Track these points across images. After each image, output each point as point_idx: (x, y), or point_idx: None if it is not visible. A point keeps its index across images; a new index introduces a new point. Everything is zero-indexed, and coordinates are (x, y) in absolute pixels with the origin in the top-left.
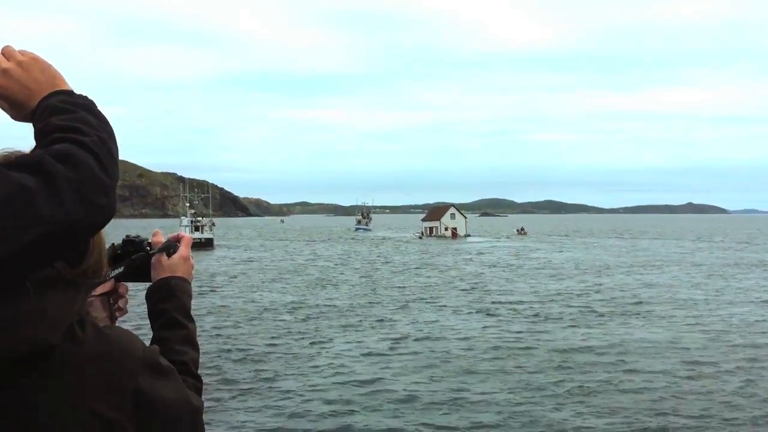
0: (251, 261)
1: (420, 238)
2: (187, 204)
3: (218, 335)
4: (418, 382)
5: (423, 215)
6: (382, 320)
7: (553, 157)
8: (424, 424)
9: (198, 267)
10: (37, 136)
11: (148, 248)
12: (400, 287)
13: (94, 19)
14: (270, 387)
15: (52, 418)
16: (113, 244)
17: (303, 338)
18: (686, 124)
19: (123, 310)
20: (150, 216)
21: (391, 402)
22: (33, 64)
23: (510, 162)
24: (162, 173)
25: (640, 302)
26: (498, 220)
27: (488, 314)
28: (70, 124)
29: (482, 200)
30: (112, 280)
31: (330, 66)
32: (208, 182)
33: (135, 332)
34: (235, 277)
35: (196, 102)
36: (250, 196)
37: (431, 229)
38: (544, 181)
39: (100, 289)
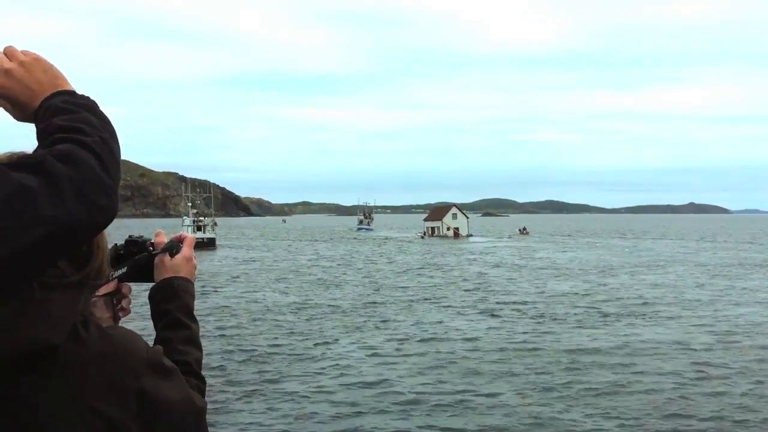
0: (254, 261)
1: (422, 237)
2: (189, 204)
3: (222, 335)
4: (424, 384)
5: (425, 215)
6: (386, 321)
7: (554, 157)
8: (431, 426)
9: (200, 267)
10: (40, 136)
11: (151, 248)
12: (403, 287)
13: (94, 18)
14: (275, 388)
15: (55, 418)
16: (116, 244)
17: (307, 339)
18: (688, 124)
19: (126, 311)
20: (151, 216)
21: (397, 404)
22: (35, 64)
23: (511, 162)
24: (163, 173)
25: (646, 303)
26: (500, 220)
27: (493, 315)
28: (72, 124)
29: (484, 200)
30: (116, 280)
31: (331, 65)
32: (209, 182)
33: (138, 333)
34: (238, 277)
35: (197, 101)
36: (251, 196)
37: (433, 229)
38: (546, 181)
39: (104, 290)
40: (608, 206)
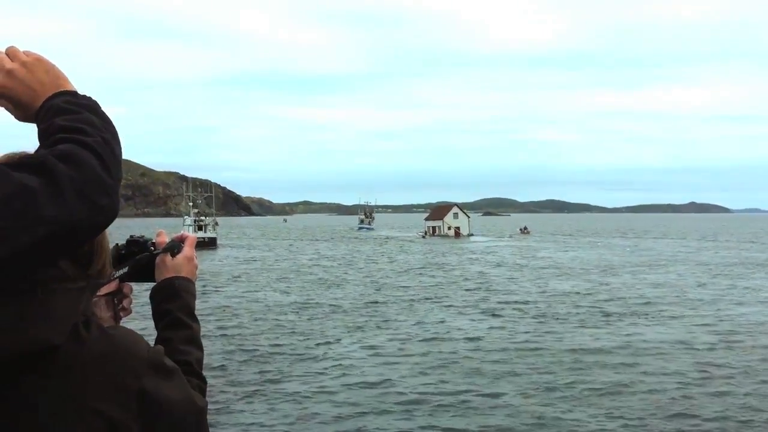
0: (255, 260)
1: (423, 237)
2: (190, 203)
3: (223, 335)
4: (426, 384)
5: (425, 214)
6: (388, 320)
7: (555, 156)
8: (433, 426)
9: (201, 266)
10: (41, 136)
11: (153, 248)
12: (405, 287)
13: (94, 18)
14: (276, 389)
15: (56, 417)
16: (117, 244)
17: (308, 339)
18: (688, 123)
19: (127, 311)
20: (152, 215)
21: (399, 404)
22: (37, 64)
23: (512, 161)
24: (164, 172)
25: (648, 302)
26: (500, 220)
27: (495, 314)
28: (74, 124)
29: (484, 199)
30: (117, 280)
31: (331, 65)
32: (210, 181)
33: (139, 332)
34: (239, 276)
35: (197, 101)
36: (252, 196)
37: (434, 228)
38: (547, 180)
39: (105, 290)
40: (609, 205)
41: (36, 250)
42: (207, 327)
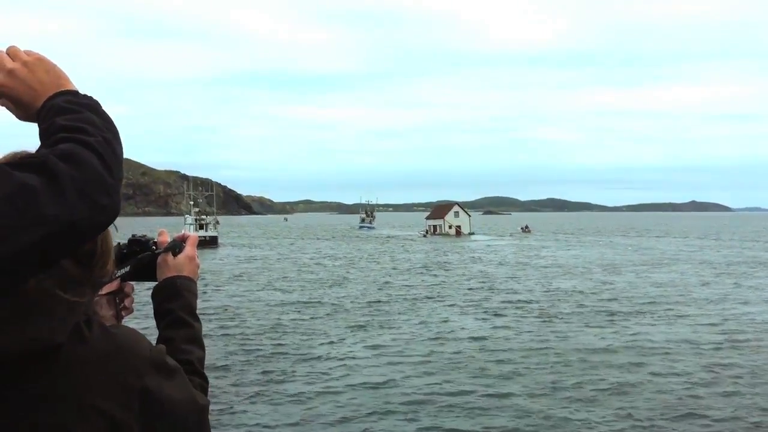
0: (256, 259)
1: (424, 236)
2: (191, 202)
3: (225, 335)
4: (431, 384)
5: (426, 213)
6: (391, 320)
7: (555, 155)
8: (439, 427)
9: (203, 265)
10: (42, 136)
11: (154, 248)
12: (407, 286)
13: (95, 17)
14: (280, 389)
15: (58, 417)
16: (119, 243)
17: (311, 338)
18: (689, 122)
19: (129, 310)
20: (153, 214)
21: (404, 404)
22: (38, 64)
23: (513, 160)
24: (165, 171)
25: (653, 302)
26: (501, 218)
27: (498, 314)
28: (75, 124)
29: (485, 198)
30: (119, 279)
31: (332, 64)
32: (211, 180)
33: (141, 331)
34: (241, 275)
35: (198, 100)
36: (253, 194)
37: (435, 227)
38: (547, 179)
39: (107, 289)
40: (609, 204)
41: (37, 250)
42: (209, 326)
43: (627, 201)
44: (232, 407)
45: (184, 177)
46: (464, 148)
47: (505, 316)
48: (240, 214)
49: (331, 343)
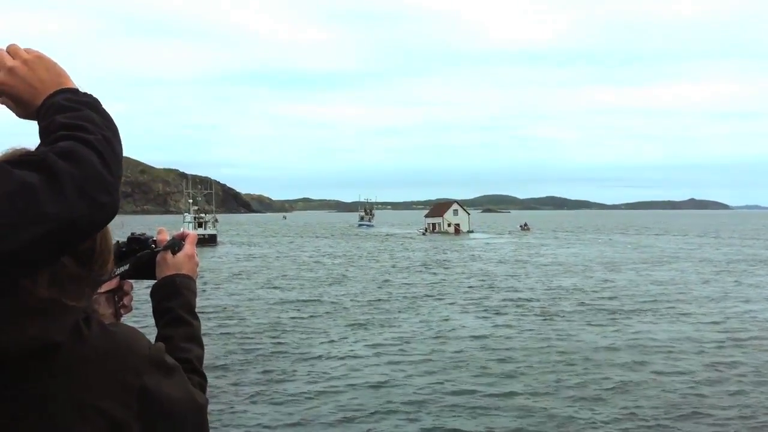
0: (255, 257)
1: (424, 234)
2: (190, 200)
3: (224, 333)
4: (432, 384)
5: (425, 211)
6: (391, 318)
7: (554, 153)
8: (441, 427)
9: (202, 264)
10: (42, 133)
11: (153, 246)
12: (407, 284)
13: (95, 16)
14: (280, 389)
15: (58, 416)
16: (118, 241)
17: (311, 337)
18: (688, 120)
19: (128, 308)
20: (152, 212)
21: (406, 404)
22: (38, 62)
23: (512, 158)
24: (164, 169)
25: (654, 300)
26: (500, 216)
27: (499, 312)
28: (75, 122)
29: (484, 196)
30: (118, 277)
31: (331, 63)
32: (210, 178)
33: (140, 330)
34: (240, 273)
35: (197, 98)
36: (251, 193)
37: (434, 225)
38: (546, 177)
39: (106, 287)
40: (608, 202)
41: (37, 248)
42: (208, 325)
43: (626, 199)
44: (232, 407)
45: (183, 175)
46: (464, 147)
47: (506, 314)
48: (239, 212)
49: (332, 342)
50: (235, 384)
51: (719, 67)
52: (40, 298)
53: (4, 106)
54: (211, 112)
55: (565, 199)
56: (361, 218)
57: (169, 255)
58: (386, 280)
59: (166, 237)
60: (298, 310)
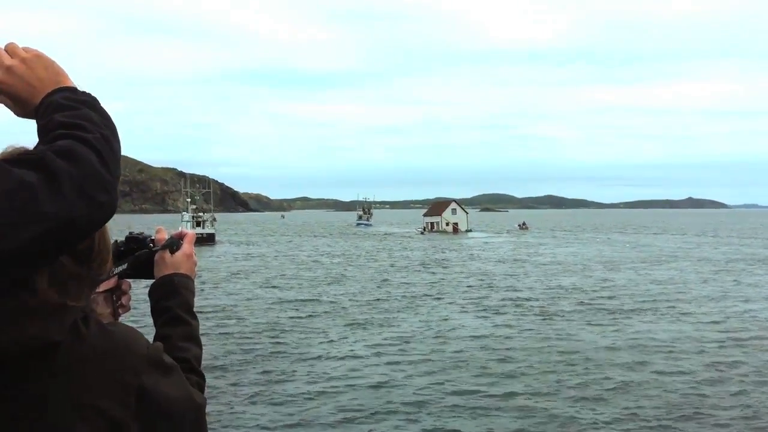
0: (254, 257)
1: (422, 233)
2: (188, 199)
3: (223, 333)
4: (432, 384)
5: (423, 210)
6: (390, 318)
7: (552, 152)
8: (441, 428)
9: (200, 263)
10: (40, 132)
11: (152, 245)
12: (406, 284)
13: (93, 15)
14: (279, 390)
15: (58, 416)
16: (116, 240)
17: (310, 337)
18: (686, 119)
19: (126, 307)
20: (150, 211)
21: (405, 405)
22: (36, 60)
23: (510, 157)
24: (162, 168)
25: (653, 299)
26: (499, 215)
27: (498, 312)
28: (73, 120)
29: (482, 195)
30: (116, 276)
31: (331, 62)
32: (208, 177)
33: (138, 329)
34: (238, 273)
35: (195, 97)
36: (249, 192)
37: (432, 224)
38: (544, 176)
39: (104, 286)
40: (606, 201)
41: (35, 247)
42: (206, 324)
43: (624, 198)
44: (231, 408)
45: (181, 174)
46: (461, 145)
47: (506, 314)
48: (237, 211)
49: (331, 342)
50: (234, 384)
51: (718, 66)
52: (40, 298)
53: (2, 105)
54: (210, 112)
55: (563, 198)
56: (360, 217)
57: (167, 254)
58: (385, 280)
59: (165, 236)
60: (297, 309)
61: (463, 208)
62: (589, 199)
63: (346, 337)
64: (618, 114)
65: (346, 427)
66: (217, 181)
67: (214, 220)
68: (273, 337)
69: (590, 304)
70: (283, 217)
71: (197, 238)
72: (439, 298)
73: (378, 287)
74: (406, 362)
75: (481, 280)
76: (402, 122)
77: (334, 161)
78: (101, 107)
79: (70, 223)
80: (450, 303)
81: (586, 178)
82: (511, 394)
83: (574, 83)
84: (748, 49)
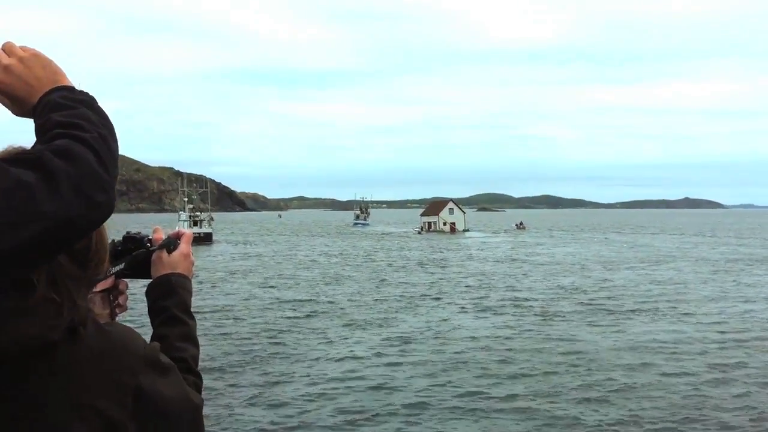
0: (251, 256)
1: (420, 233)
2: (185, 199)
3: (221, 334)
4: (433, 386)
5: (420, 210)
6: (389, 319)
7: (550, 152)
8: (441, 431)
9: (197, 262)
10: (38, 132)
11: (149, 245)
12: (405, 284)
13: (90, 14)
14: (278, 392)
15: (56, 416)
16: (113, 240)
17: (308, 338)
18: (683, 119)
19: (123, 307)
20: (147, 211)
21: (406, 407)
22: (34, 60)
23: (507, 157)
24: (159, 167)
25: (653, 300)
26: (496, 215)
27: (498, 312)
28: (71, 120)
29: (479, 195)
30: (113, 276)
31: (331, 61)
32: (205, 177)
33: (135, 329)
34: (236, 272)
35: (192, 96)
36: (246, 191)
37: (430, 223)
38: (541, 176)
39: (101, 286)
40: (603, 201)
41: (33, 246)
42: (204, 324)
43: (621, 198)
44: (230, 410)
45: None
46: (458, 145)
47: (505, 314)
48: (234, 210)
49: (330, 342)
50: (232, 386)
51: (715, 66)
52: (39, 298)
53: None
54: (206, 110)
55: (560, 198)
56: (357, 217)
57: (164, 254)
58: (383, 280)
59: (162, 236)
60: (295, 309)
61: (460, 208)
62: (586, 199)
63: (346, 338)
64: (617, 114)
65: (347, 429)
66: (213, 181)
67: (212, 219)
68: (271, 338)
69: (590, 304)
70: (280, 216)
71: (194, 237)
72: (438, 299)
73: (376, 287)
74: (406, 363)
75: (480, 280)
76: (399, 121)
77: (331, 161)
78: (99, 106)
79: (68, 223)
80: (449, 303)
81: (584, 178)
82: (513, 396)
83: (573, 83)
84: (748, 49)
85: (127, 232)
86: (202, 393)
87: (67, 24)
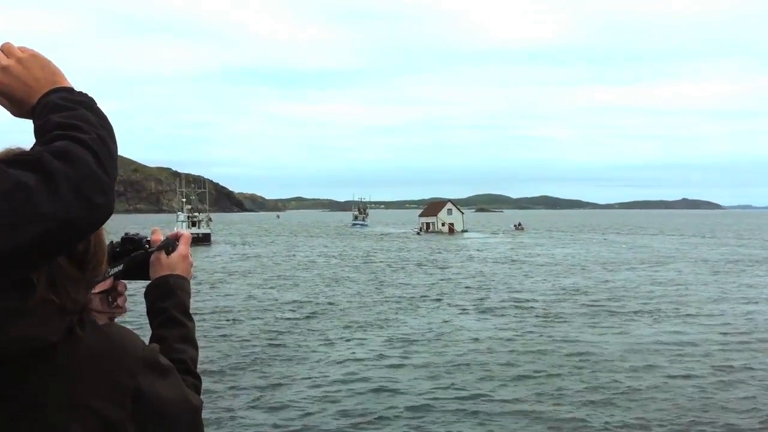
0: (250, 257)
1: (418, 233)
2: (183, 199)
3: (220, 335)
4: (434, 388)
5: (419, 210)
6: (389, 320)
7: (548, 153)
8: None
9: (196, 263)
10: (37, 133)
11: (147, 246)
12: (404, 285)
13: (88, 14)
14: (279, 395)
15: (54, 417)
16: (112, 241)
17: (308, 340)
18: (681, 120)
19: (122, 308)
20: (145, 211)
21: (408, 410)
22: (33, 60)
23: (505, 157)
24: (157, 168)
25: (655, 301)
26: (494, 216)
27: (499, 314)
28: (70, 121)
29: (477, 195)
30: (111, 277)
31: (331, 61)
32: (203, 177)
33: (134, 330)
34: (235, 273)
35: (190, 96)
36: (244, 191)
37: (428, 224)
38: (539, 176)
39: (99, 287)
40: (601, 202)
41: (32, 248)
42: (202, 326)
43: (619, 198)
44: (231, 413)
45: (176, 174)
46: (457, 145)
47: (507, 316)
48: (232, 211)
49: (331, 344)
50: (233, 388)
51: (713, 66)
52: (38, 299)
53: None
54: (205, 111)
55: (558, 199)
56: (355, 217)
57: (163, 255)
58: (383, 281)
59: (160, 237)
60: (295, 311)
61: (458, 209)
62: (584, 199)
63: (346, 340)
64: (617, 114)
65: None
66: (211, 181)
67: (210, 220)
68: (271, 340)
69: (592, 305)
70: (278, 217)
71: (193, 238)
72: (438, 300)
73: (376, 288)
74: (409, 365)
75: (480, 281)
76: (398, 122)
77: (330, 161)
78: (98, 108)
79: (68, 224)
80: (450, 304)
81: (582, 179)
82: (517, 398)
83: (573, 83)
84: (748, 49)
85: (126, 234)
86: (202, 395)
87: (66, 24)
